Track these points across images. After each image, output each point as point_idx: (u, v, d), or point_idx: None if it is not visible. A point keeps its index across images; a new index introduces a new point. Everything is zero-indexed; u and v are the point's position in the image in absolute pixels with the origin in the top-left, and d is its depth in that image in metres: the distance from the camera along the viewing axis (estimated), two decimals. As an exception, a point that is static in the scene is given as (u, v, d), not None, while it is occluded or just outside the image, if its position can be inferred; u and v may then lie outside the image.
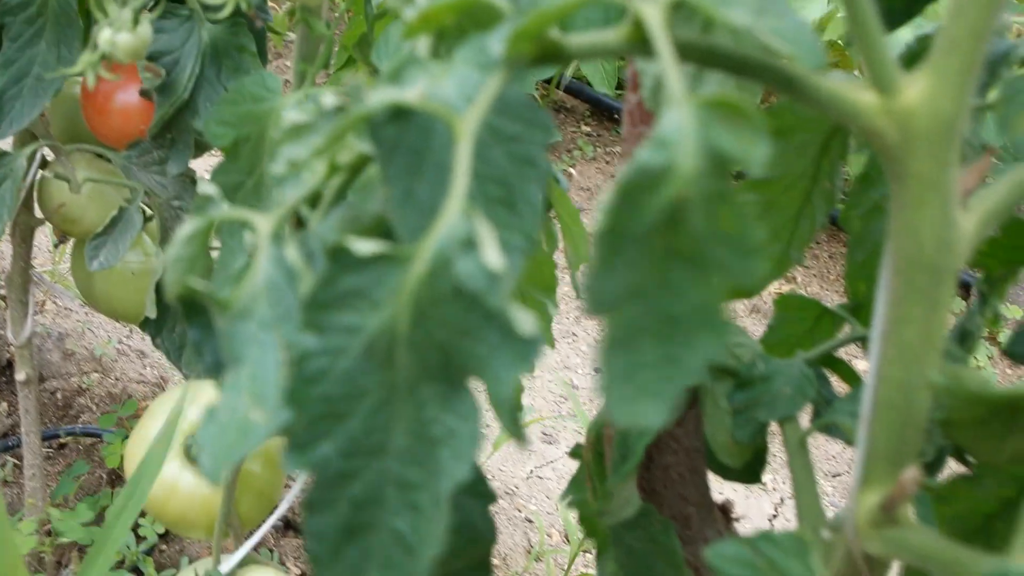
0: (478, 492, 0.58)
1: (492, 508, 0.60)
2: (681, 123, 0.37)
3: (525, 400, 1.87)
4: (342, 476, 0.46)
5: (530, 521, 1.79)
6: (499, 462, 2.01)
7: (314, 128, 0.49)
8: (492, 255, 0.39)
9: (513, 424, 0.43)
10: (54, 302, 2.20)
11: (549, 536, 1.81)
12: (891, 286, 0.49)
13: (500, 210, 0.45)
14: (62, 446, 1.77)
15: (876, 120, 0.46)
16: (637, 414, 0.42)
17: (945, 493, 0.77)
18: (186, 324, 0.50)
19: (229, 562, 1.10)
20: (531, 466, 2.06)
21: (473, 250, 0.40)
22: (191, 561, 1.51)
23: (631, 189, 0.38)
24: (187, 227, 0.49)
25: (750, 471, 0.74)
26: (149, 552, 1.54)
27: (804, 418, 0.68)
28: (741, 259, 0.40)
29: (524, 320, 0.41)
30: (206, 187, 0.49)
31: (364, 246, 0.41)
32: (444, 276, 0.41)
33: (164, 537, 1.61)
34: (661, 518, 0.72)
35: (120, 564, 1.52)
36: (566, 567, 1.48)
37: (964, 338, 0.77)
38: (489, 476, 1.89)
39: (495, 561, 1.66)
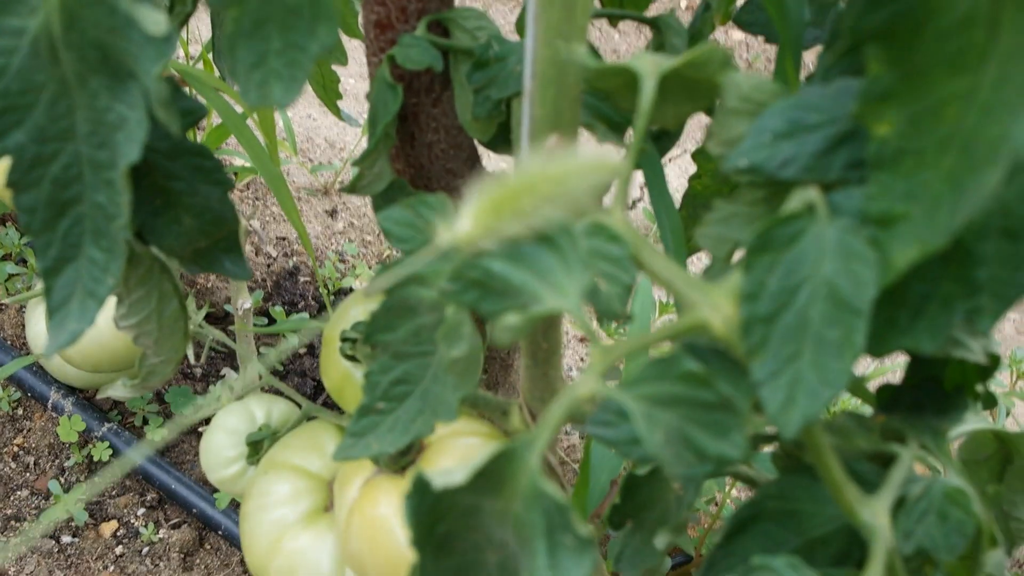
0: (215, 180, 0.64)
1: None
2: None
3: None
4: (39, 159, 0.52)
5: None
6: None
7: None
8: (109, -37, 0.44)
9: (166, 113, 0.49)
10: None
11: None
12: (536, -29, 0.54)
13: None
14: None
15: None
16: (267, 96, 0.48)
17: (699, 159, 0.84)
18: None
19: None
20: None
21: (101, -43, 0.45)
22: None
23: None
24: None
25: (506, 143, 0.79)
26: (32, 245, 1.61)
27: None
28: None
29: (155, 22, 0.46)
30: None
31: (7, -44, 0.46)
32: (83, -19, 0.46)
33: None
34: (414, 190, 0.79)
35: (7, 256, 1.60)
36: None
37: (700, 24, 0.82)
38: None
39: (382, 249, 1.75)
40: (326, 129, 2.03)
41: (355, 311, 0.85)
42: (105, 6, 0.46)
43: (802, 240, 0.43)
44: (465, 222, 0.36)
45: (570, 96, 0.56)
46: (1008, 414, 1.61)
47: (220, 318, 1.53)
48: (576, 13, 0.54)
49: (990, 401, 0.59)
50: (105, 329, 1.12)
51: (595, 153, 0.40)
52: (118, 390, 1.09)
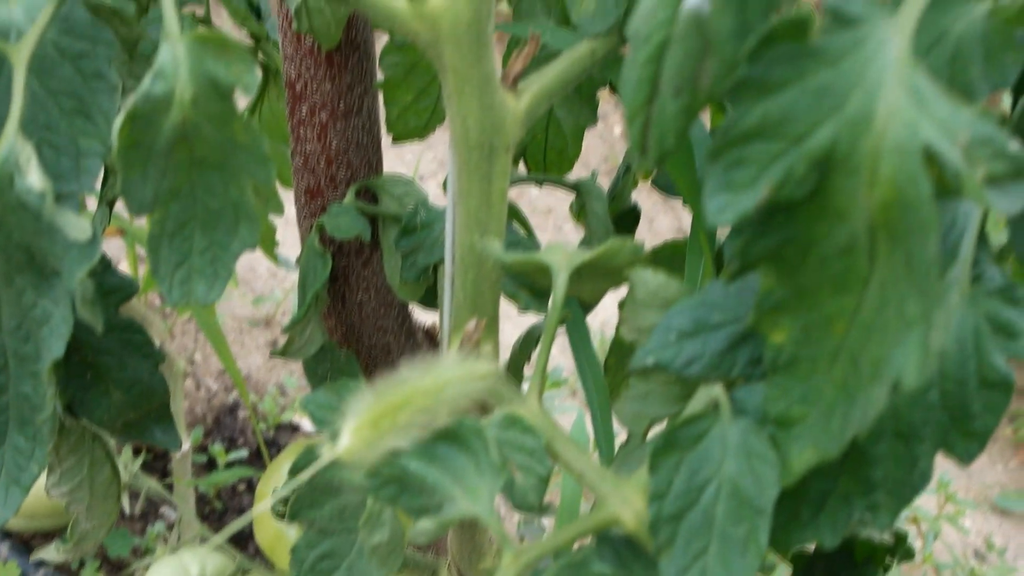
0: (144, 354, 0.65)
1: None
2: (175, 57, 0.43)
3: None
4: (-34, 352, 0.53)
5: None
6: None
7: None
8: (34, 179, 0.45)
9: (89, 311, 0.50)
10: None
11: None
12: (454, 164, 0.56)
13: (77, 120, 0.51)
14: None
15: (410, 23, 0.52)
16: (190, 293, 0.49)
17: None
18: None
19: None
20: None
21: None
22: None
23: (139, 115, 0.44)
24: None
25: (435, 300, 0.81)
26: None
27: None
28: (259, 165, 0.47)
29: (78, 228, 0.47)
30: None
31: (-66, 165, 0.47)
32: (8, 191, 0.47)
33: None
34: (345, 351, 0.80)
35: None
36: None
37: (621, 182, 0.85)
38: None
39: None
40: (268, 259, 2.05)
41: (288, 467, 0.85)
42: (29, 212, 0.47)
43: (706, 440, 0.45)
44: (346, 438, 0.38)
45: (490, 279, 0.58)
46: (936, 537, 1.63)
47: (160, 455, 1.52)
48: (493, 201, 0.56)
49: (908, 555, 0.60)
50: (40, 480, 1.12)
51: (471, 363, 0.42)
52: (51, 554, 1.08)
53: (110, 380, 0.66)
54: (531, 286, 0.69)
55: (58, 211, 0.47)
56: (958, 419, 0.43)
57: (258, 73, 0.45)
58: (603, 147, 2.40)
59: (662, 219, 2.22)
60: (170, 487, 1.26)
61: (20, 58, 0.47)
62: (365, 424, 0.38)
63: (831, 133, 0.34)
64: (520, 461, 0.48)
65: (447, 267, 0.59)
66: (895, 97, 0.33)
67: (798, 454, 0.42)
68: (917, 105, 0.33)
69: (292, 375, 1.74)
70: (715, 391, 0.46)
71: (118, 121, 0.44)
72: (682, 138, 0.38)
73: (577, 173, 0.83)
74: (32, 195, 0.46)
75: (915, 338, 0.35)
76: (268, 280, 1.97)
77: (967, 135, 0.32)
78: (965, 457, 0.44)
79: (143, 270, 1.62)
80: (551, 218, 2.20)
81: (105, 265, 0.65)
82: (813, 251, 0.38)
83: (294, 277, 1.99)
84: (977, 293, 0.44)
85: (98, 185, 0.54)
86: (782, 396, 0.42)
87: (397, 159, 2.20)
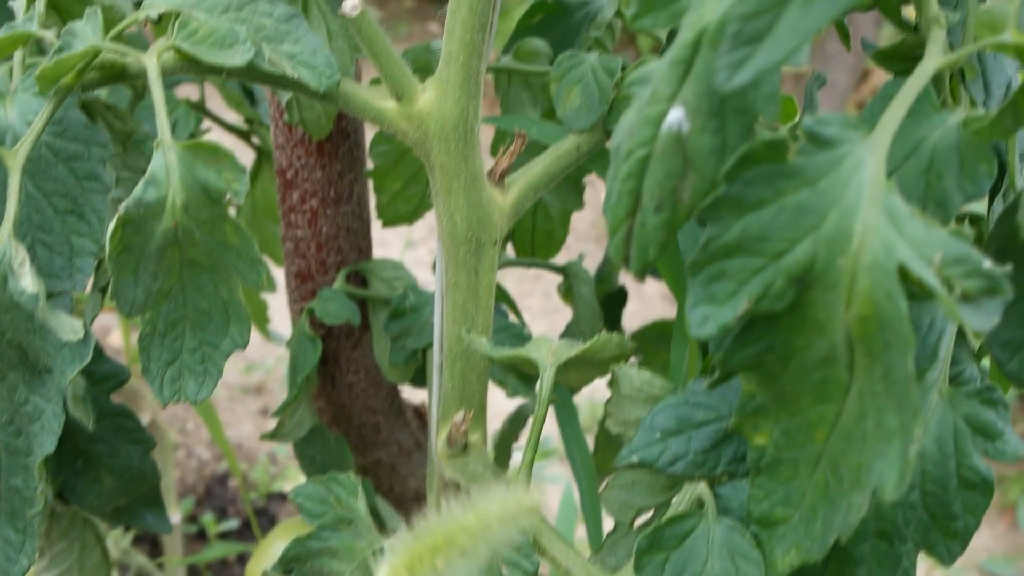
0: (136, 439, 0.66)
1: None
2: (167, 164, 0.44)
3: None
4: (-42, 446, 0.53)
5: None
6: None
7: None
8: (26, 282, 0.46)
9: (80, 408, 0.51)
10: None
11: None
12: (442, 257, 0.56)
13: (71, 220, 0.51)
14: None
15: (398, 123, 0.53)
16: (181, 391, 0.50)
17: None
18: None
19: None
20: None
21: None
22: None
23: (132, 220, 0.45)
24: None
25: (424, 380, 0.81)
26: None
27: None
28: (250, 266, 0.48)
29: (71, 330, 0.48)
30: None
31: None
32: (1, 292, 0.47)
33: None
34: (335, 434, 0.80)
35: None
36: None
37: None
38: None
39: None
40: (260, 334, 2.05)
41: (278, 546, 0.85)
42: (23, 312, 0.48)
43: (691, 539, 0.45)
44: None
45: (477, 369, 0.58)
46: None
47: (148, 526, 1.52)
48: (480, 294, 0.56)
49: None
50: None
51: (515, 496, 0.39)
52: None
53: (101, 467, 0.66)
54: (518, 372, 0.70)
55: (50, 312, 0.48)
56: (939, 519, 0.44)
57: (246, 181, 0.45)
58: (591, 214, 2.41)
59: (650, 286, 2.23)
60: (160, 565, 1.26)
61: (16, 163, 0.48)
62: (400, 569, 0.37)
63: (809, 250, 0.35)
64: (508, 557, 0.48)
65: (435, 356, 0.60)
66: (872, 217, 0.34)
67: (782, 555, 0.42)
68: (893, 225, 0.34)
69: (283, 443, 1.74)
70: (700, 488, 0.47)
71: (111, 226, 0.44)
72: (664, 250, 0.38)
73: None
74: (25, 296, 0.46)
75: (895, 451, 0.36)
76: (259, 348, 1.97)
77: (941, 254, 0.33)
78: (947, 558, 0.44)
79: (136, 339, 1.62)
80: (539, 283, 2.21)
81: (97, 352, 0.65)
82: (793, 360, 0.38)
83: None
84: (956, 394, 0.45)
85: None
86: (765, 497, 0.43)
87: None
